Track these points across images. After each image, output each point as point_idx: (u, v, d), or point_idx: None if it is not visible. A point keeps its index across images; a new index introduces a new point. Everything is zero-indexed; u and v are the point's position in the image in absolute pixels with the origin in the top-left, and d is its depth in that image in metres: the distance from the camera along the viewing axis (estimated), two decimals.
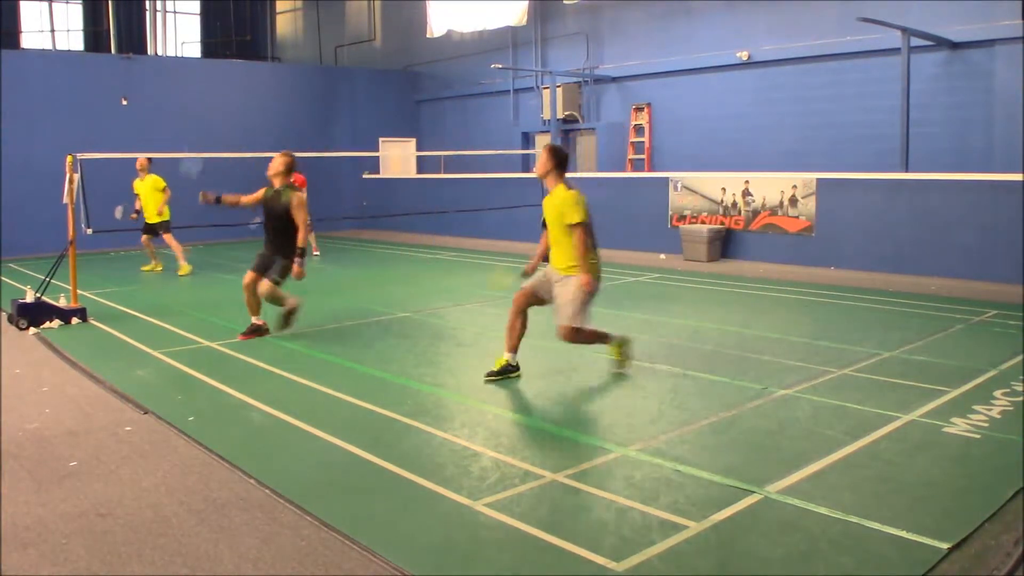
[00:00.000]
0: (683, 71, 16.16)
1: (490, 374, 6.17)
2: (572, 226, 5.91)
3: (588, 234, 5.95)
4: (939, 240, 11.07)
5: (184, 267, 12.66)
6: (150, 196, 12.58)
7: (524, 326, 6.25)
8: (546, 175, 6.15)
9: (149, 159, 12.76)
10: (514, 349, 6.22)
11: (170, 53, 24.91)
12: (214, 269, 13.45)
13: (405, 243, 17.46)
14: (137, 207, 12.62)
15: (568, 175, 6.11)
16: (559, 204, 6.02)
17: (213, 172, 16.51)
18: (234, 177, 15.90)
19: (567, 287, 6.02)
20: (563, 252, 6.09)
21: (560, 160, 6.11)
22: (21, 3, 22.36)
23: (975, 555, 3.37)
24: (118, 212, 11.04)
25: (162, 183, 12.64)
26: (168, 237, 12.69)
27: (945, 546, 3.40)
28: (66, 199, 8.82)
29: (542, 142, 18.49)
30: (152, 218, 12.62)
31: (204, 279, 12.40)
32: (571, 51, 18.23)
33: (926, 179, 11.51)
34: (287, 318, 7.89)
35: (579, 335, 6.10)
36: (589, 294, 6.01)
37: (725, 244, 13.45)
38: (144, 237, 12.82)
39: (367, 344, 7.60)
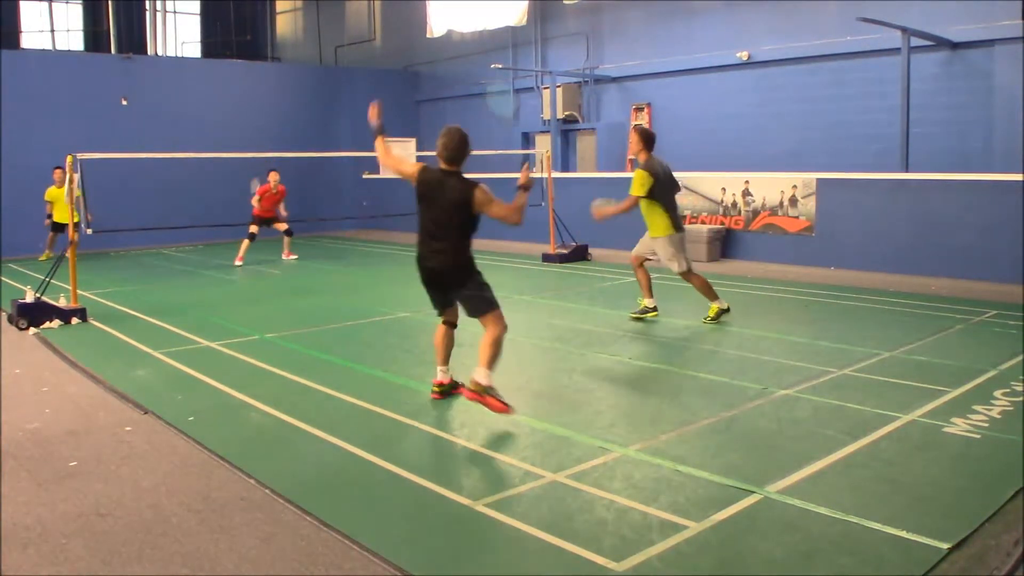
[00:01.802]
0: (683, 71, 16.15)
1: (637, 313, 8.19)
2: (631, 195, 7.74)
3: (654, 201, 7.77)
4: (939, 240, 11.06)
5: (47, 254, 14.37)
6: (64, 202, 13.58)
7: (647, 274, 8.36)
8: (637, 154, 7.87)
9: (63, 169, 13.57)
10: (649, 293, 8.29)
11: (170, 53, 24.90)
12: (214, 270, 13.45)
13: (405, 243, 17.45)
14: (49, 211, 14.02)
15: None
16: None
17: (214, 172, 16.61)
18: (235, 177, 15.92)
19: (658, 247, 8.03)
20: (648, 218, 7.98)
21: (646, 140, 7.80)
22: (21, 3, 22.36)
23: (975, 555, 3.37)
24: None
25: (78, 192, 13.66)
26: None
27: (945, 546, 3.40)
28: (66, 199, 8.83)
29: (542, 142, 18.50)
30: (65, 219, 13.37)
31: (204, 279, 12.40)
32: (571, 51, 18.22)
33: (926, 179, 11.50)
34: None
35: (691, 277, 8.03)
36: (674, 245, 7.91)
37: (725, 244, 13.45)
38: (51, 236, 14.18)
39: (367, 344, 7.59)
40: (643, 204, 7.89)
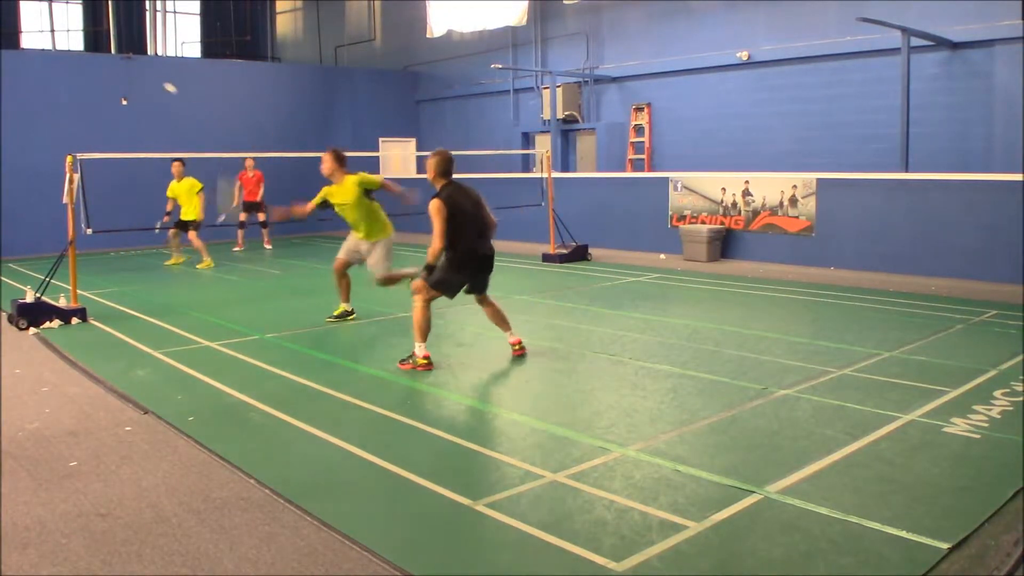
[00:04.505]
0: (683, 71, 16.16)
1: (331, 318, 8.55)
2: (375, 191, 8.07)
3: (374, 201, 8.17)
4: (939, 240, 11.07)
5: (207, 261, 13.46)
6: (188, 197, 13.31)
7: (348, 282, 8.59)
8: (332, 173, 8.08)
9: (183, 162, 13.49)
10: (347, 299, 8.60)
11: (170, 53, 24.91)
12: (214, 269, 13.45)
13: (405, 243, 17.43)
14: (168, 208, 13.53)
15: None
16: (356, 184, 7.97)
17: (214, 172, 16.58)
18: (235, 177, 15.90)
19: (377, 250, 8.19)
20: (367, 225, 8.14)
21: (340, 159, 8.08)
22: (21, 3, 22.35)
23: (975, 555, 3.37)
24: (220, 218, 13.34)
25: (199, 185, 13.41)
26: (194, 235, 13.50)
27: (945, 546, 3.40)
28: (66, 199, 8.82)
29: (542, 142, 18.51)
30: (188, 216, 13.37)
31: (204, 279, 12.40)
32: (571, 51, 18.23)
33: (926, 179, 11.50)
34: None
35: (388, 280, 8.01)
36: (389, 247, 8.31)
37: (725, 244, 13.45)
38: (172, 231, 13.56)
39: (367, 344, 7.59)
40: (364, 206, 8.10)
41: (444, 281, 6.46)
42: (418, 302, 6.42)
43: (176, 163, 13.33)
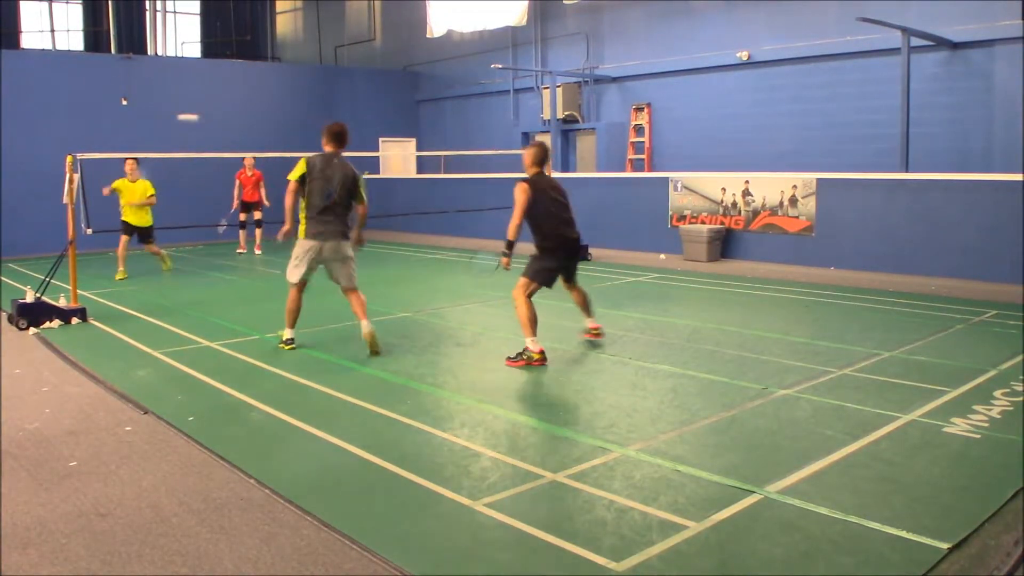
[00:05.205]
0: (683, 71, 16.16)
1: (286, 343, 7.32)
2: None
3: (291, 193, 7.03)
4: (939, 240, 11.07)
5: (120, 272, 12.13)
6: (138, 199, 11.91)
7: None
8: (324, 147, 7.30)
9: (137, 161, 12.08)
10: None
11: (170, 53, 24.91)
12: (214, 269, 13.45)
13: (405, 243, 17.46)
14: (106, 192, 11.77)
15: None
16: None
17: (214, 172, 16.61)
18: (235, 177, 15.92)
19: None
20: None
21: (329, 136, 7.09)
22: (21, 3, 22.35)
23: (975, 555, 3.37)
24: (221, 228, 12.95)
25: (152, 190, 12.05)
26: (153, 246, 12.39)
27: (945, 546, 3.40)
28: (66, 199, 8.82)
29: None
30: (140, 222, 12.08)
31: (204, 279, 12.39)
32: (571, 51, 18.23)
33: (926, 179, 11.51)
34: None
35: (290, 289, 7.36)
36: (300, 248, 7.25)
37: (725, 244, 13.45)
38: (123, 239, 12.11)
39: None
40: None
41: (541, 270, 6.79)
42: (520, 298, 6.69)
43: (129, 161, 11.91)
